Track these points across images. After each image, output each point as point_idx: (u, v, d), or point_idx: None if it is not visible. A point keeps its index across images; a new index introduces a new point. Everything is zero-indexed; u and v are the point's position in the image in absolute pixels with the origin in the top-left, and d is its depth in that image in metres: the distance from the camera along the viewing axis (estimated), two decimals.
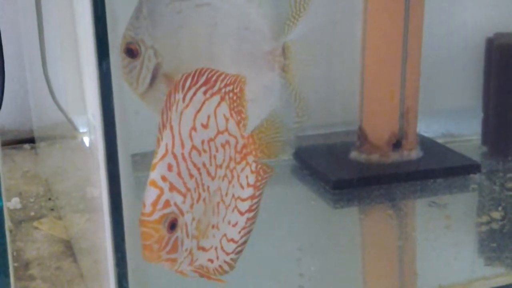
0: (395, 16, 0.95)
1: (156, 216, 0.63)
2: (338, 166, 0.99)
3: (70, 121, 1.10)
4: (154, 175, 0.63)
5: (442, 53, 1.07)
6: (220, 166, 0.67)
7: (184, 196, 0.65)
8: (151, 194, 0.63)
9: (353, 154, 1.01)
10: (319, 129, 1.07)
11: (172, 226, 0.64)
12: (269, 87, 0.83)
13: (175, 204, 0.65)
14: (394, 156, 0.99)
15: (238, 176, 0.69)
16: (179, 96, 0.66)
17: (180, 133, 0.65)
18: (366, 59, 0.98)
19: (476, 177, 0.98)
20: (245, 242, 0.70)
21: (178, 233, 0.65)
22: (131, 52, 0.79)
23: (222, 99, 0.67)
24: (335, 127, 1.06)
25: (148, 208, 0.63)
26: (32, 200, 1.04)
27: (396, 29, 0.96)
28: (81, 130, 1.11)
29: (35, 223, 0.98)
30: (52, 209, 1.02)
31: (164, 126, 0.64)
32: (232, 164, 0.68)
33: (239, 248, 0.70)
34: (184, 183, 0.65)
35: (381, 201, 0.94)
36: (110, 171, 0.68)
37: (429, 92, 1.03)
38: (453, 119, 1.12)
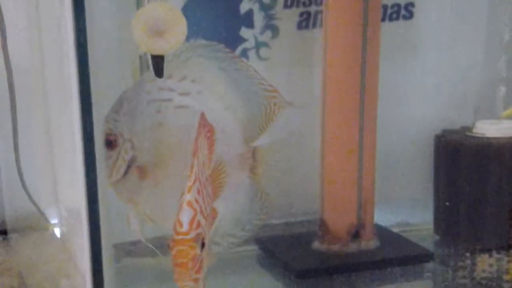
0: (350, 113, 1.02)
1: (192, 234, 0.68)
2: (302, 256, 1.03)
3: (41, 212, 1.13)
4: (190, 196, 0.69)
5: (395, 148, 1.13)
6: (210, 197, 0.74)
7: (206, 219, 0.71)
8: (187, 214, 0.69)
9: (316, 244, 1.05)
10: (283, 219, 1.12)
11: (203, 245, 0.69)
12: (240, 185, 0.88)
13: (202, 226, 0.69)
14: (353, 246, 1.04)
15: None
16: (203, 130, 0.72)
17: (201, 163, 0.71)
18: (325, 155, 1.04)
19: (429, 265, 1.03)
20: None
21: (203, 254, 0.70)
22: (109, 143, 0.84)
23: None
24: (299, 216, 1.11)
25: (186, 227, 0.68)
26: None
27: (352, 125, 1.02)
28: (52, 222, 1.14)
29: None
30: None
31: (195, 154, 0.70)
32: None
33: None
34: (206, 208, 0.71)
35: None
36: (93, 261, 0.72)
37: (384, 185, 1.08)
38: (407, 209, 1.17)
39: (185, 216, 0.69)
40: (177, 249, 0.69)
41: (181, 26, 0.75)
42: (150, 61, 0.78)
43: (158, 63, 0.78)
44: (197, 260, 0.70)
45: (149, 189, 0.87)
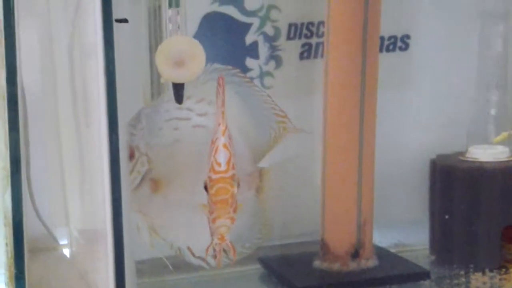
0: (350, 139, 1.06)
1: (230, 173, 0.73)
2: (303, 274, 1.07)
3: (50, 233, 1.16)
4: (224, 140, 0.75)
5: (392, 172, 1.17)
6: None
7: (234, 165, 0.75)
8: (225, 154, 0.74)
9: (317, 263, 1.09)
10: (286, 239, 1.15)
11: (238, 185, 0.74)
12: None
13: (235, 168, 0.74)
14: (353, 265, 1.07)
15: None
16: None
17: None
18: (326, 178, 1.08)
19: (426, 283, 1.06)
20: None
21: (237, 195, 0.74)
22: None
23: None
24: (301, 237, 1.15)
25: (224, 166, 0.73)
26: None
27: (352, 150, 1.06)
28: (61, 242, 1.17)
29: None
30: None
31: (223, 104, 0.76)
32: None
33: None
34: (234, 154, 0.75)
35: None
36: (117, 278, 0.75)
37: (382, 206, 1.12)
38: (404, 230, 1.20)
39: (222, 157, 0.74)
40: (217, 187, 0.74)
41: (200, 57, 0.81)
42: (171, 88, 0.83)
43: (178, 91, 0.83)
44: (234, 199, 0.74)
45: (159, 202, 0.90)
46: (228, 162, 0.75)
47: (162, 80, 0.85)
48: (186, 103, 0.88)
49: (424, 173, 1.18)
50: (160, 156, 0.89)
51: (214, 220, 0.77)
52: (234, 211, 0.77)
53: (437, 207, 1.15)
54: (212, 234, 0.79)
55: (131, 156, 0.88)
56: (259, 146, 0.93)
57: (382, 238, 1.17)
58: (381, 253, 1.12)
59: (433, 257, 1.16)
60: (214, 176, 0.75)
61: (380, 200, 1.11)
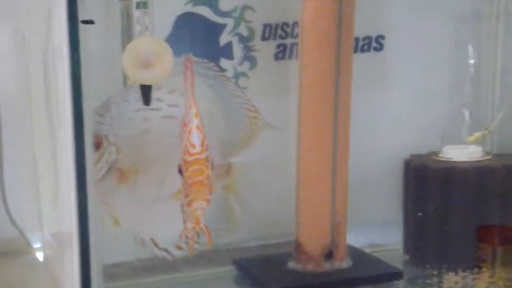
0: (324, 139, 1.06)
1: (205, 155, 0.72)
2: (278, 276, 1.07)
3: (24, 236, 1.15)
4: (197, 121, 0.74)
5: (367, 172, 1.18)
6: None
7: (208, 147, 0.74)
8: (199, 136, 0.74)
9: (291, 264, 1.09)
10: (261, 241, 1.15)
11: (213, 167, 0.73)
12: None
13: (209, 150, 0.74)
14: (327, 266, 1.08)
15: None
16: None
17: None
18: (300, 179, 1.08)
19: (399, 283, 1.07)
20: None
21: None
22: (93, 145, 0.86)
23: None
24: (275, 238, 1.15)
25: (198, 148, 0.73)
26: None
27: (326, 150, 1.06)
28: (34, 246, 1.16)
29: None
30: None
31: (192, 86, 0.76)
32: None
33: None
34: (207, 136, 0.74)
35: None
36: (83, 282, 0.74)
37: (356, 207, 1.12)
38: (378, 230, 1.21)
39: (196, 139, 0.74)
40: (193, 169, 0.73)
41: (167, 59, 0.80)
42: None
43: (146, 92, 0.82)
44: (210, 180, 0.74)
45: (125, 193, 0.89)
46: (202, 144, 0.75)
47: (129, 82, 0.84)
48: (157, 93, 0.87)
49: (398, 173, 1.18)
50: (129, 146, 0.87)
51: (189, 203, 0.76)
52: (210, 192, 0.76)
53: (410, 207, 1.16)
54: (185, 220, 0.78)
55: (99, 145, 0.87)
56: (229, 140, 0.92)
57: (356, 238, 1.17)
58: (355, 254, 1.12)
59: (407, 257, 1.17)
60: (189, 158, 0.74)
61: (355, 200, 1.11)
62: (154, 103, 0.87)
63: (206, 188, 0.75)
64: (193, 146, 0.74)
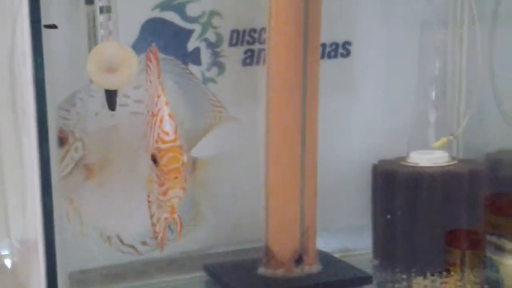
0: (293, 143, 1.06)
1: (179, 142, 0.71)
2: (248, 281, 1.07)
3: None
4: (168, 109, 0.73)
5: (336, 177, 1.18)
6: None
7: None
8: (171, 124, 0.72)
9: (261, 270, 1.09)
10: (231, 246, 1.15)
11: (184, 156, 0.72)
12: None
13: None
14: (297, 271, 1.08)
15: None
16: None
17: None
18: (268, 185, 1.08)
19: (369, 287, 1.08)
20: None
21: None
22: (59, 141, 0.85)
23: None
24: (245, 244, 1.15)
25: (172, 135, 0.71)
26: None
27: (294, 155, 1.07)
28: (2, 253, 1.15)
29: None
30: None
31: (159, 76, 0.75)
32: None
33: None
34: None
35: None
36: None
37: (325, 212, 1.13)
38: (348, 235, 1.22)
39: (169, 126, 0.73)
40: (168, 156, 0.72)
41: (131, 63, 0.80)
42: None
43: (111, 97, 0.82)
44: (185, 168, 0.73)
45: (91, 189, 0.88)
46: (175, 131, 0.74)
47: (93, 87, 0.84)
48: (124, 89, 0.86)
49: (367, 178, 1.19)
50: (96, 142, 0.87)
51: (165, 192, 0.75)
52: (185, 181, 0.75)
53: (379, 212, 1.17)
54: (153, 213, 0.77)
55: (64, 141, 0.86)
56: (194, 135, 0.92)
57: (326, 243, 1.18)
58: (325, 258, 1.13)
59: (376, 262, 1.18)
60: (163, 146, 0.73)
61: (324, 205, 1.12)
62: (121, 99, 0.87)
63: (182, 176, 0.74)
64: (167, 134, 0.74)
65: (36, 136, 0.70)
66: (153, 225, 0.79)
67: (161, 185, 0.75)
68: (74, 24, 0.92)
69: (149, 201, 0.79)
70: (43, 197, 0.71)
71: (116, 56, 0.80)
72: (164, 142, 0.73)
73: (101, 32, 0.83)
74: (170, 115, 0.74)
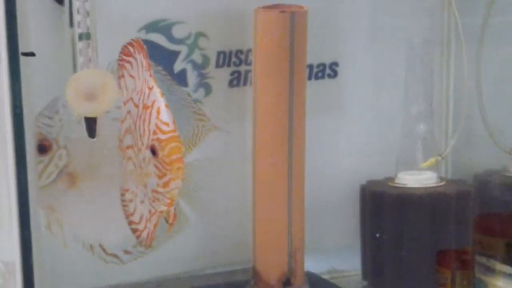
0: (279, 165, 1.06)
1: (178, 133, 0.70)
2: None
3: None
4: (164, 101, 0.73)
5: (324, 198, 1.18)
6: None
7: None
8: (168, 114, 0.71)
9: None
10: (218, 268, 1.14)
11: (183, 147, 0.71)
12: None
13: None
14: None
15: None
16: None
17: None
18: (256, 207, 1.08)
19: None
20: None
21: None
22: (42, 148, 0.84)
23: None
24: (233, 266, 1.14)
25: (172, 126, 0.70)
26: None
27: (281, 177, 1.06)
28: None
29: None
30: None
31: (149, 68, 0.75)
32: None
33: None
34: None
35: None
36: None
37: (314, 234, 1.13)
38: (337, 257, 1.22)
39: (167, 117, 0.72)
40: (170, 147, 0.71)
41: (111, 90, 0.80)
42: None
43: (90, 125, 0.81)
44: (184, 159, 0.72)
45: (73, 197, 0.87)
46: (174, 122, 0.73)
47: (74, 116, 0.83)
48: None
49: (355, 198, 1.19)
50: (79, 150, 0.86)
51: (166, 184, 0.73)
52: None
53: (367, 232, 1.16)
54: (151, 203, 0.75)
55: (48, 149, 0.85)
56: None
57: (314, 264, 1.17)
58: (313, 280, 1.12)
59: (365, 283, 1.17)
60: (163, 137, 0.72)
61: (313, 226, 1.12)
62: None
63: (184, 165, 0.73)
64: (166, 124, 0.73)
65: (13, 163, 0.69)
66: (131, 223, 0.78)
67: (161, 176, 0.74)
68: (59, 31, 0.91)
69: (124, 201, 0.78)
70: (20, 217, 0.70)
71: (95, 84, 0.79)
72: (164, 132, 0.73)
73: (80, 59, 0.82)
74: (167, 106, 0.74)
